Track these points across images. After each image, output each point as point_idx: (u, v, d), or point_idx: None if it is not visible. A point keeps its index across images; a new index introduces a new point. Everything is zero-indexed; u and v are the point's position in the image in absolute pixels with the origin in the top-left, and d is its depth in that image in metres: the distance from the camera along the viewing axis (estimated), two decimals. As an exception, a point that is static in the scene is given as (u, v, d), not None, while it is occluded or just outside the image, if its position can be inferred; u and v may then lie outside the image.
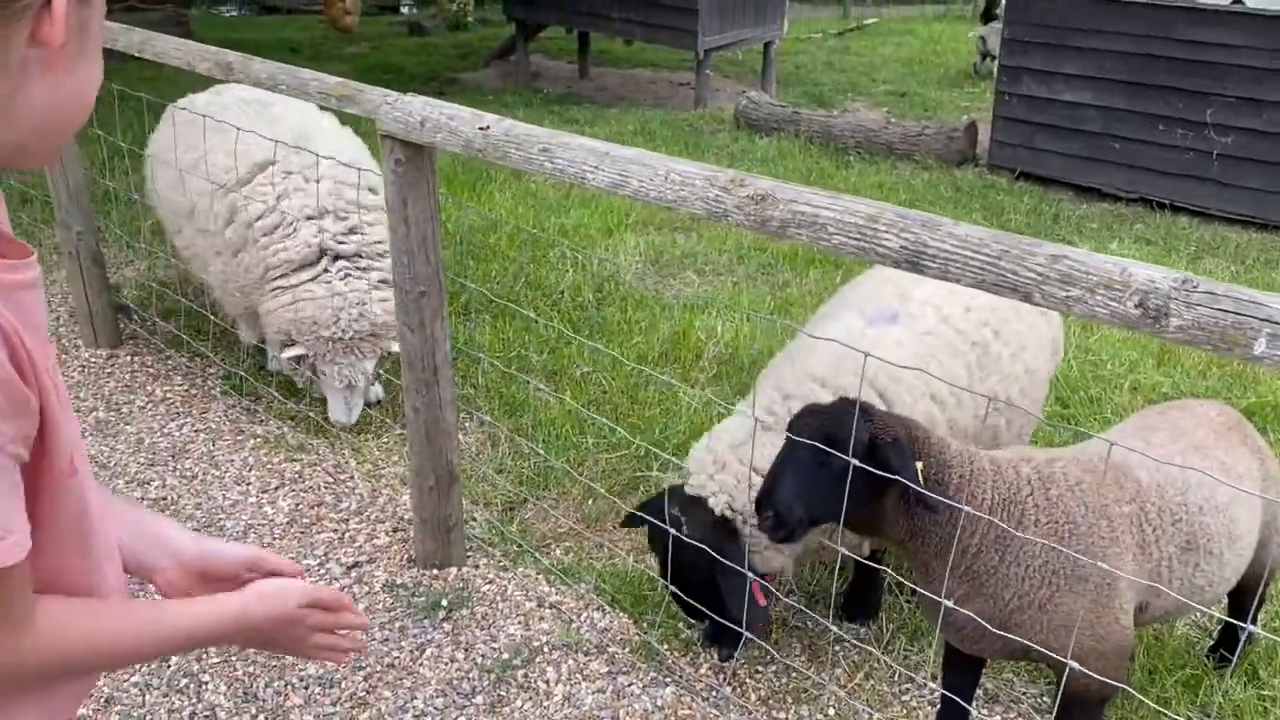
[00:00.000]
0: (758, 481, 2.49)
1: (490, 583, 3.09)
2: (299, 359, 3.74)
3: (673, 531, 2.53)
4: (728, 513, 2.54)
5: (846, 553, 2.57)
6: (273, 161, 3.75)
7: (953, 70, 11.76)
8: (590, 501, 3.44)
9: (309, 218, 3.71)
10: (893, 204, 6.04)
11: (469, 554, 3.20)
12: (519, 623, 2.93)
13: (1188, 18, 6.77)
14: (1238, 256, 6.24)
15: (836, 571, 2.83)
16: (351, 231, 3.73)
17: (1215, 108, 6.78)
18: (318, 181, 3.67)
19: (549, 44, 12.89)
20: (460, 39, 13.72)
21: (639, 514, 2.66)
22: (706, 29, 9.66)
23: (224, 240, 3.82)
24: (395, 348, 3.53)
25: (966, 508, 2.11)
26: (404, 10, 17.26)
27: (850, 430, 2.12)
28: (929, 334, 2.86)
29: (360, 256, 3.73)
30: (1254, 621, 2.81)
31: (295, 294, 3.69)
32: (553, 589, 3.07)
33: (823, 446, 2.13)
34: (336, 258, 3.70)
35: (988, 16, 11.08)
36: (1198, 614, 2.98)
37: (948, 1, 17.04)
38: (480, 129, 2.43)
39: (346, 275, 3.68)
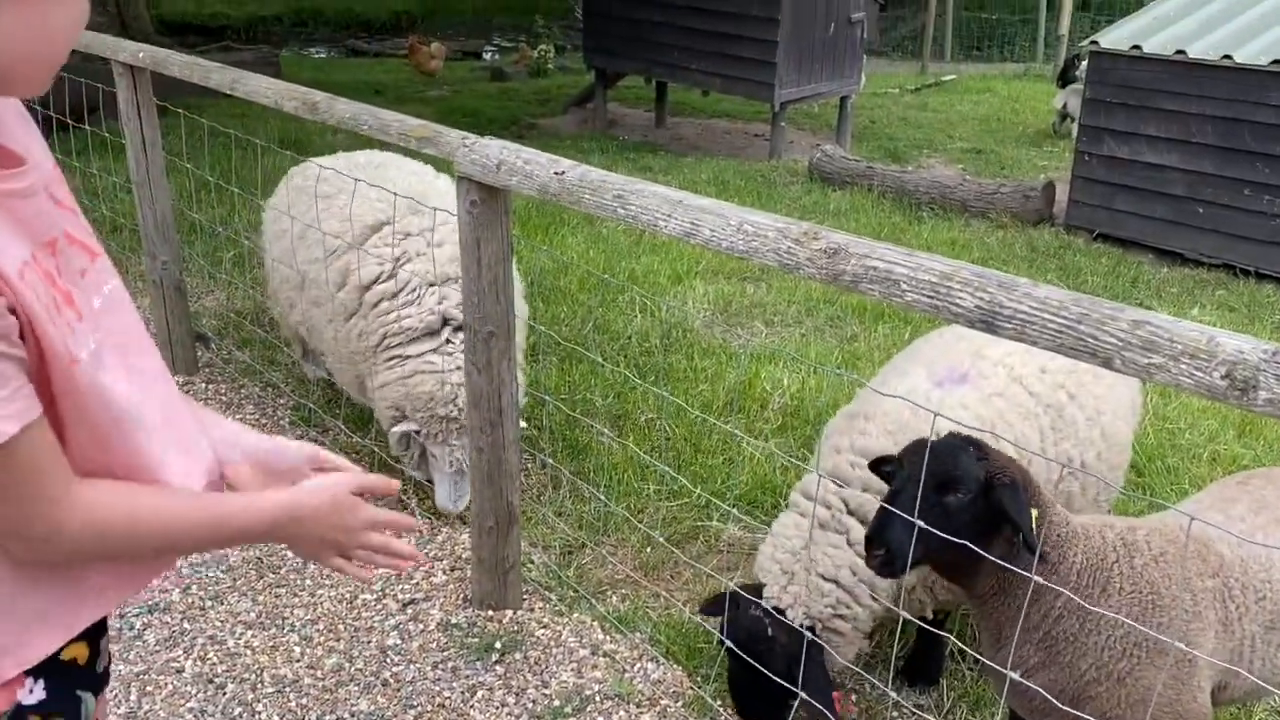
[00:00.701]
0: (827, 588, 2.48)
1: (545, 627, 3.07)
2: (409, 436, 3.50)
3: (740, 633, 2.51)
4: (807, 622, 2.50)
5: (909, 617, 2.51)
6: (388, 222, 3.60)
7: (1031, 129, 11.64)
8: (648, 549, 3.41)
9: (430, 284, 3.50)
10: (966, 261, 5.97)
11: (525, 596, 3.18)
12: (572, 669, 2.90)
13: (1278, 83, 6.62)
14: (1327, 327, 6.03)
15: (898, 634, 2.76)
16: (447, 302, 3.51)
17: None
18: (438, 246, 3.51)
19: (626, 92, 13.06)
20: (540, 85, 13.97)
21: (717, 612, 2.62)
22: (783, 82, 9.71)
23: (336, 305, 3.65)
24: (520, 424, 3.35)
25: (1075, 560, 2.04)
26: (486, 56, 17.65)
27: (965, 468, 2.07)
28: (998, 395, 2.80)
29: (494, 336, 3.40)
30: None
31: (413, 365, 3.46)
32: (607, 637, 3.04)
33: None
34: (459, 328, 3.43)
35: (1064, 79, 10.95)
36: (1278, 698, 2.84)
37: (1027, 60, 16.92)
38: (556, 174, 2.46)
39: (473, 348, 3.33)
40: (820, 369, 4.75)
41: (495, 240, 2.73)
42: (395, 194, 3.42)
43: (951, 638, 2.59)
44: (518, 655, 2.94)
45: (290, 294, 3.98)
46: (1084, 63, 8.45)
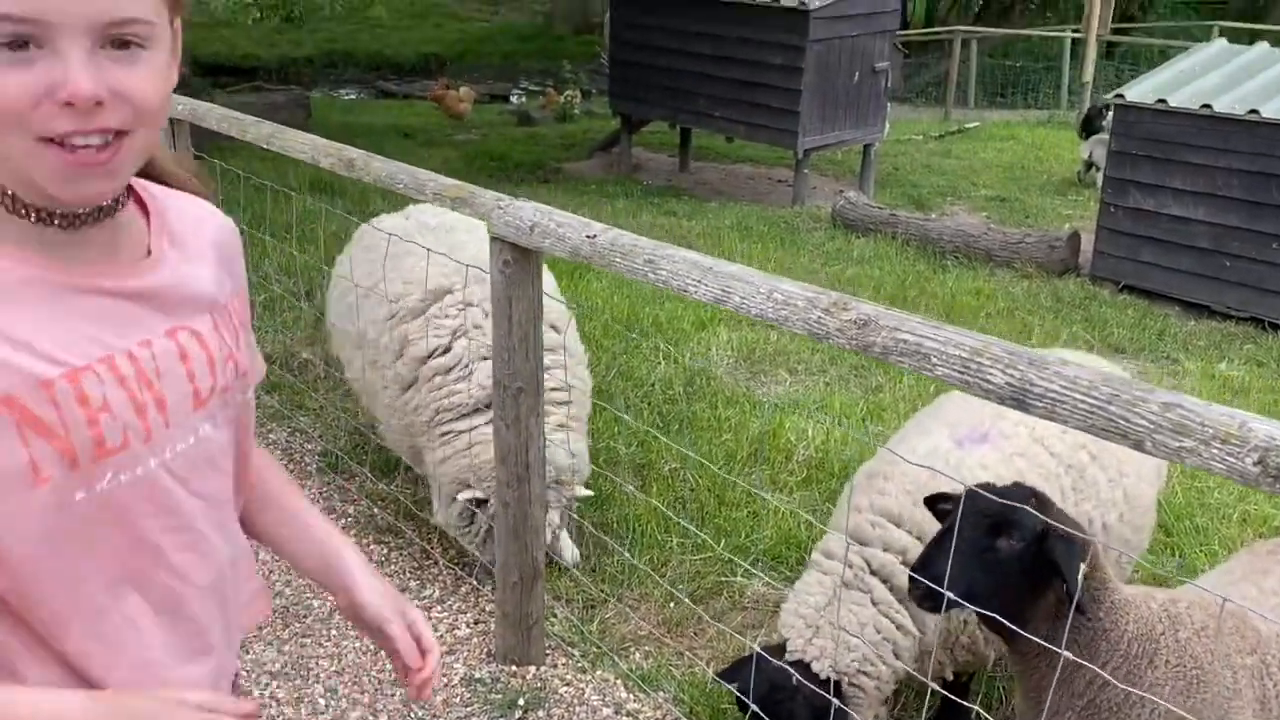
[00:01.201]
0: (854, 643, 2.48)
1: (568, 684, 3.07)
2: (478, 504, 3.31)
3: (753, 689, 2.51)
4: (833, 675, 2.50)
5: (928, 682, 2.51)
6: (450, 290, 3.48)
7: (1055, 177, 11.65)
8: (672, 605, 3.41)
9: (484, 358, 3.32)
10: (991, 309, 5.91)
11: (548, 652, 3.18)
12: (594, 728, 2.90)
13: (1305, 137, 6.63)
14: (1356, 384, 5.98)
15: (926, 700, 2.75)
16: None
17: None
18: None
19: (650, 137, 13.18)
20: (566, 130, 14.13)
21: (740, 674, 2.62)
22: (807, 130, 9.79)
23: (393, 374, 3.53)
24: (583, 492, 3.33)
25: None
26: (513, 100, 17.88)
27: (1021, 514, 2.06)
28: (1019, 455, 2.80)
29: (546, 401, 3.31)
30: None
31: (468, 438, 3.34)
32: (630, 695, 3.04)
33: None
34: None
35: (1088, 129, 10.96)
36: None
37: (1051, 107, 16.97)
38: (588, 237, 2.49)
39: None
40: (845, 422, 4.75)
41: (526, 299, 2.76)
42: (465, 264, 3.25)
43: (976, 707, 2.57)
44: (541, 713, 2.94)
45: (350, 352, 3.88)
46: (1109, 113, 8.47)
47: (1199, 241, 7.19)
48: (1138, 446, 1.61)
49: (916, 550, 2.59)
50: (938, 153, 13.05)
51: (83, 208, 0.98)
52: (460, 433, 3.36)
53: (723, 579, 3.52)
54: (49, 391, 0.94)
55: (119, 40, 0.91)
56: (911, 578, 2.18)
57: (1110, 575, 2.13)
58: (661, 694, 3.02)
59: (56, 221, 0.97)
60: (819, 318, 2.05)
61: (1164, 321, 6.90)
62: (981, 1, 22.77)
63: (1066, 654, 2.00)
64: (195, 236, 1.13)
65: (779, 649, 2.58)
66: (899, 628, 2.56)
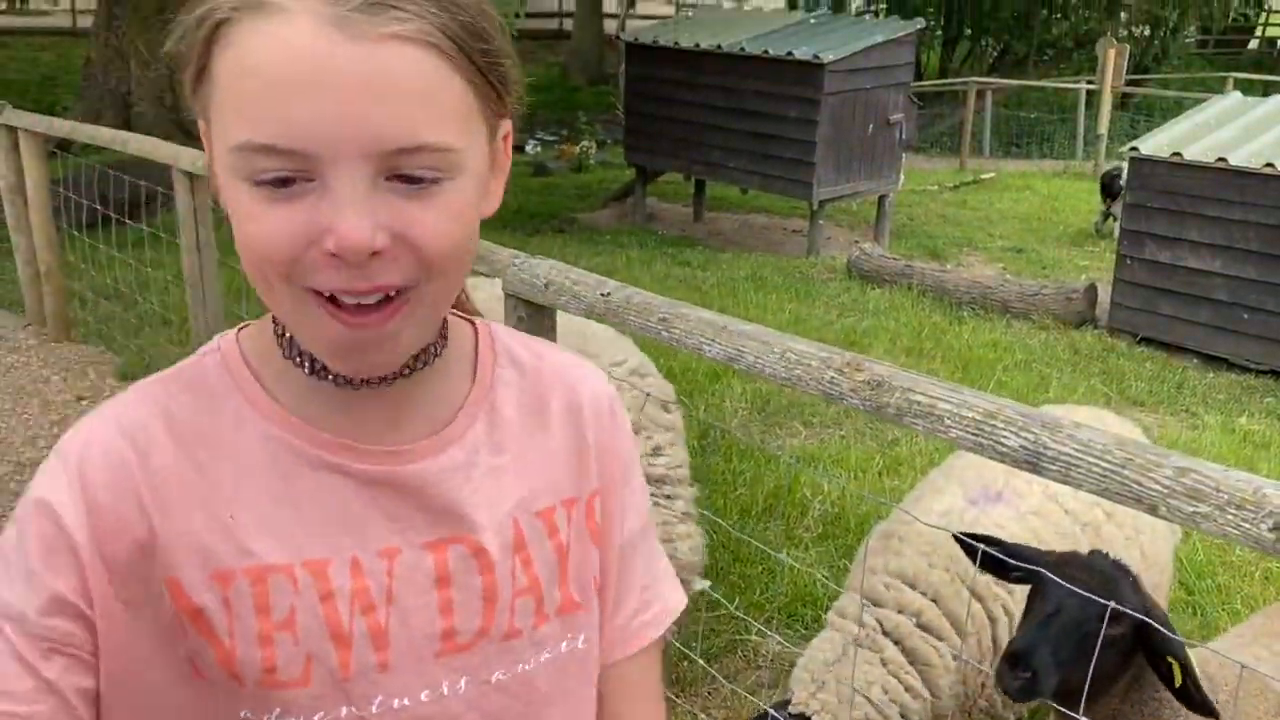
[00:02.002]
0: (858, 700, 2.44)
1: None
2: None
3: None
4: None
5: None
6: None
7: (1072, 228, 11.66)
8: (684, 663, 3.37)
9: None
10: (1009, 363, 5.88)
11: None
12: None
13: (1321, 190, 6.62)
14: (1379, 438, 5.91)
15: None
16: (657, 453, 3.17)
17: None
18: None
19: (665, 187, 13.29)
20: (581, 180, 14.26)
21: None
22: (822, 181, 9.85)
23: None
24: (701, 584, 3.13)
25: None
26: (529, 150, 18.07)
27: (1127, 598, 2.01)
28: (1034, 514, 2.79)
29: (666, 482, 3.17)
30: None
31: None
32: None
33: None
34: None
35: (1108, 192, 10.89)
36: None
37: (1066, 157, 17.04)
38: (602, 294, 2.50)
39: (655, 503, 3.06)
40: (859, 479, 4.73)
41: (540, 355, 2.77)
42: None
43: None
44: (552, 773, 2.90)
45: None
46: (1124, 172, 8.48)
47: (1216, 294, 7.17)
48: (1152, 511, 1.60)
49: (930, 612, 2.57)
50: (953, 203, 13.09)
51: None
52: None
53: (737, 637, 3.49)
54: (223, 587, 0.72)
55: (407, 175, 0.68)
56: (1012, 664, 2.05)
57: None
58: (674, 753, 2.98)
59: (331, 378, 0.77)
60: (832, 378, 2.05)
61: (1182, 374, 6.86)
62: (996, 53, 22.96)
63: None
64: (539, 409, 0.86)
65: (785, 703, 2.56)
66: (908, 689, 2.53)
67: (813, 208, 10.10)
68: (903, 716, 2.50)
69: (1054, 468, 1.70)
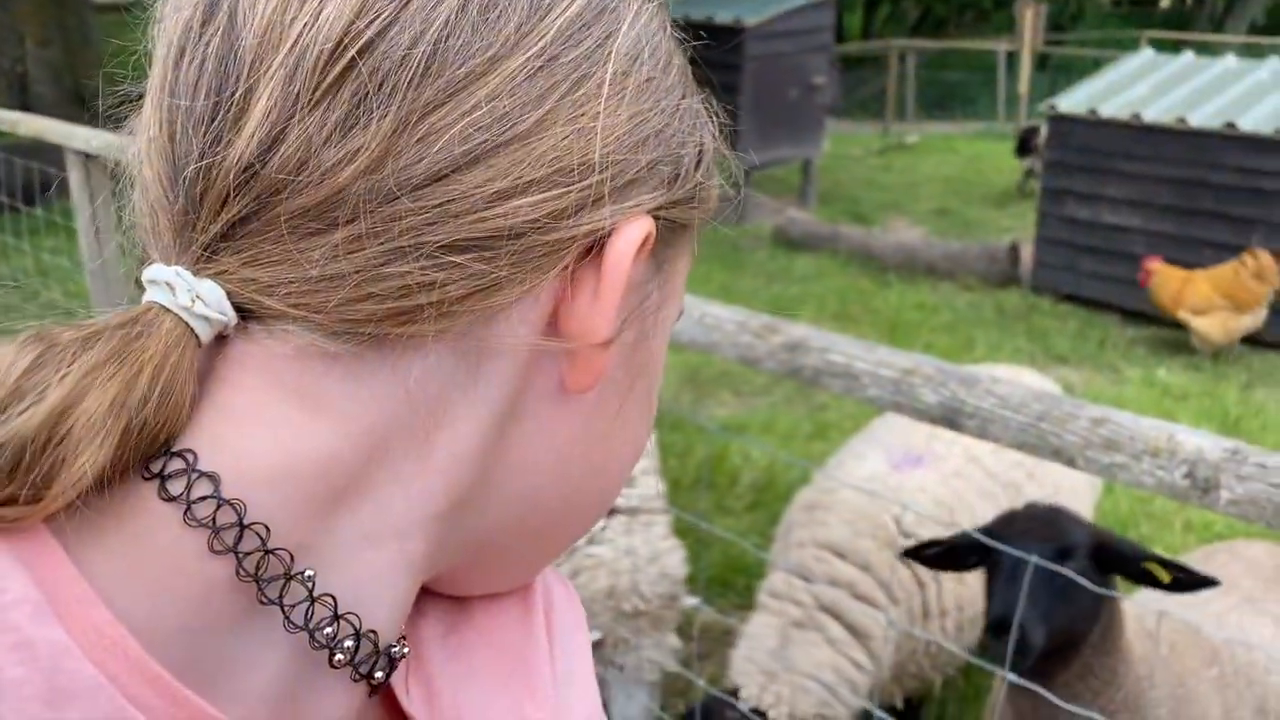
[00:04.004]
0: (811, 686, 2.40)
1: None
2: (596, 646, 2.89)
3: None
4: None
5: (880, 714, 2.46)
6: None
7: (995, 189, 11.80)
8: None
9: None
10: (936, 325, 5.92)
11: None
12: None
13: (1234, 145, 6.75)
14: (1292, 385, 6.08)
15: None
16: (629, 484, 2.97)
17: (1263, 234, 6.70)
18: None
19: (594, 159, 13.17)
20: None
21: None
22: (746, 147, 9.82)
23: None
24: (691, 601, 2.97)
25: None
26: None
27: (1074, 535, 1.99)
28: (956, 476, 2.79)
29: (640, 511, 3.01)
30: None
31: (573, 565, 2.94)
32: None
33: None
34: (612, 512, 2.95)
35: (1023, 149, 11.06)
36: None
37: (989, 119, 17.24)
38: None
39: (630, 530, 2.93)
40: (789, 444, 4.72)
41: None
42: None
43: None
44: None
45: None
46: (1043, 131, 8.58)
47: (1134, 249, 7.28)
48: (1070, 463, 1.57)
49: (864, 583, 2.55)
50: (878, 167, 13.17)
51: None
52: (559, 565, 2.94)
53: (669, 608, 3.45)
54: None
55: None
56: (993, 635, 1.98)
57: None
58: (608, 731, 2.94)
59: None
60: (749, 341, 2.00)
61: (1104, 330, 6.97)
62: (917, 15, 23.12)
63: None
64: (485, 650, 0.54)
65: (732, 695, 2.52)
66: (855, 665, 2.51)
67: (738, 175, 10.06)
68: (853, 693, 2.49)
69: (972, 423, 1.67)
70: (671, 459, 4.54)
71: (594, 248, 0.42)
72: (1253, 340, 6.82)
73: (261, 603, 0.38)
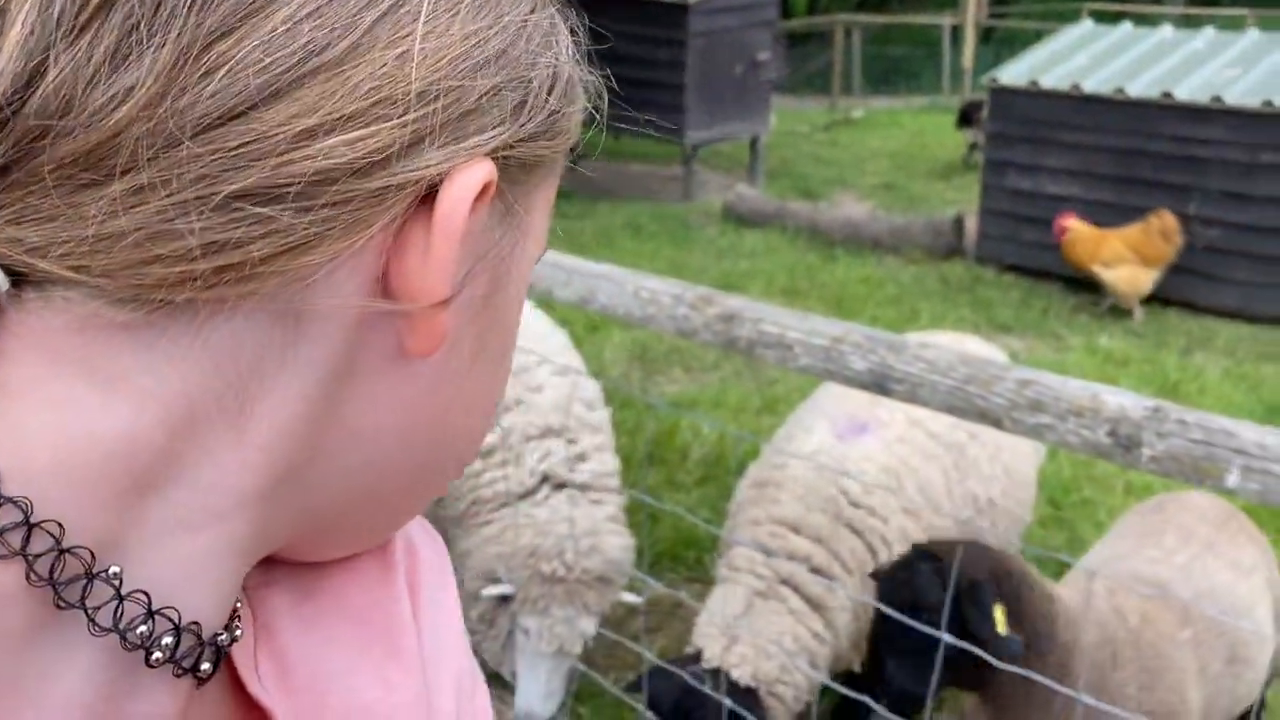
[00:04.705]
0: (773, 650, 2.44)
1: (461, 704, 2.97)
2: (503, 600, 2.82)
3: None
4: (752, 683, 2.46)
5: (838, 687, 2.49)
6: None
7: (940, 162, 11.90)
8: (568, 614, 3.33)
9: (529, 438, 2.92)
10: (882, 298, 5.96)
11: (440, 672, 3.08)
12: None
13: (1171, 114, 6.86)
14: (1227, 350, 6.21)
15: (817, 693, 2.72)
16: (581, 459, 2.97)
17: (1199, 201, 6.83)
18: (537, 390, 2.98)
19: (542, 139, 13.08)
20: (454, 134, 13.94)
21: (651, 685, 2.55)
22: (694, 124, 9.80)
23: None
24: (630, 598, 2.95)
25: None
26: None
27: (926, 591, 2.02)
28: (900, 441, 2.82)
29: (591, 489, 2.95)
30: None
31: (506, 522, 2.89)
32: (507, 705, 2.95)
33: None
34: (562, 485, 2.91)
35: (965, 121, 11.18)
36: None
37: (933, 93, 17.37)
38: (447, 242, 2.40)
39: (576, 503, 2.90)
40: (739, 419, 4.74)
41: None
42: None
43: (875, 705, 2.55)
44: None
45: None
46: (985, 105, 8.65)
47: (1076, 219, 7.39)
48: (997, 425, 1.60)
49: (819, 555, 2.57)
50: (825, 143, 13.22)
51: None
52: (494, 521, 2.88)
53: (619, 584, 3.46)
54: None
55: None
56: (879, 698, 2.08)
57: (1049, 586, 2.08)
58: (559, 713, 2.94)
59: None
60: (685, 313, 2.00)
61: (1047, 299, 7.07)
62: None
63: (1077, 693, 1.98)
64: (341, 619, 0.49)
65: (693, 659, 2.53)
66: (814, 635, 2.54)
67: (686, 152, 10.06)
68: (812, 662, 2.52)
69: (900, 388, 1.68)
70: (621, 436, 4.53)
71: (426, 196, 0.37)
72: (1191, 307, 6.96)
73: (60, 607, 0.34)
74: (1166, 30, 7.85)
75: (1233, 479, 1.43)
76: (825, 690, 2.96)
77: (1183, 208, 6.87)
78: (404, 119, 0.35)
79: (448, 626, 0.52)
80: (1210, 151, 6.73)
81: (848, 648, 2.66)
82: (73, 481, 0.34)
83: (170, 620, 0.37)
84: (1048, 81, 7.40)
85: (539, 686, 2.76)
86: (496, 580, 2.78)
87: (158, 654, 0.37)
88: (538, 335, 3.17)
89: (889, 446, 2.79)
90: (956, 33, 16.81)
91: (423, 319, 0.38)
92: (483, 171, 0.38)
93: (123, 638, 0.35)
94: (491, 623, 2.85)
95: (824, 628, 2.54)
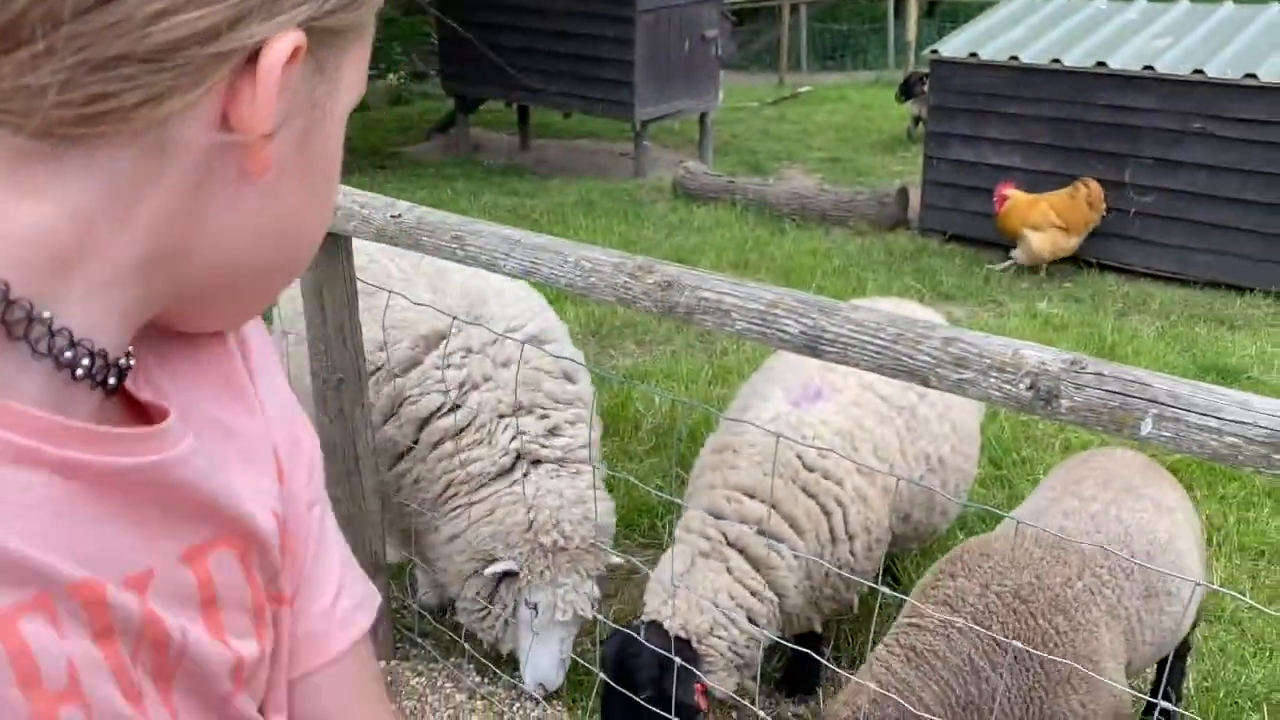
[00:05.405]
0: (705, 605, 2.57)
1: (420, 675, 3.02)
2: (504, 578, 2.80)
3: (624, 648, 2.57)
4: (682, 634, 2.54)
5: (783, 641, 2.57)
6: (447, 336, 2.91)
7: (885, 136, 12.03)
8: (523, 584, 3.39)
9: (501, 416, 2.90)
10: (828, 269, 6.03)
11: (399, 645, 3.12)
12: (449, 716, 2.86)
13: (1105, 83, 7.00)
14: (1162, 312, 6.39)
15: (761, 647, 2.80)
16: (553, 433, 2.95)
17: (1133, 169, 6.99)
18: (505, 366, 2.93)
19: (490, 116, 13.01)
20: (402, 113, 13.81)
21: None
22: (642, 101, 9.82)
23: (382, 438, 2.94)
24: (617, 560, 2.92)
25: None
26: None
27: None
28: (854, 405, 2.90)
29: (568, 461, 2.94)
30: (1181, 676, 2.84)
31: (490, 503, 2.86)
32: (485, 679, 3.01)
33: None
34: (537, 461, 2.91)
35: (907, 93, 11.31)
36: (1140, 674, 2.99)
37: (879, 68, 17.49)
38: (392, 216, 2.43)
39: (557, 475, 2.90)
40: (689, 390, 4.80)
41: (339, 285, 2.68)
42: (454, 318, 2.81)
43: (824, 660, 2.63)
44: (392, 706, 2.88)
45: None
46: (926, 79, 8.76)
47: (1017, 189, 7.53)
48: (924, 382, 1.67)
49: (771, 518, 2.66)
50: (773, 118, 13.29)
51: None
52: (477, 503, 2.87)
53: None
54: None
55: None
56: None
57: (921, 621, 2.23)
58: (517, 675, 3.00)
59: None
60: (625, 282, 2.05)
61: (988, 268, 7.21)
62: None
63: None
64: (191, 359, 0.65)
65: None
66: (753, 594, 2.62)
67: (636, 129, 10.07)
68: (750, 619, 2.59)
69: (832, 350, 1.75)
70: (573, 410, 4.59)
71: (251, 57, 0.50)
72: (1127, 271, 7.14)
73: (14, 339, 0.50)
74: (1100, 2, 7.99)
75: (1147, 427, 1.52)
76: (781, 651, 3.05)
77: (1119, 175, 7.04)
78: (230, 1, 0.49)
79: (280, 390, 0.71)
80: (1143, 120, 6.89)
81: (802, 606, 2.74)
82: (12, 260, 0.49)
83: (87, 349, 0.52)
84: (987, 53, 7.52)
85: (552, 657, 2.82)
86: (494, 560, 2.79)
87: (80, 370, 0.52)
88: (514, 298, 3.15)
89: (843, 410, 2.87)
90: (901, 7, 16.93)
91: (255, 148, 0.53)
92: (292, 40, 0.51)
93: (56, 360, 0.51)
94: (490, 600, 2.85)
95: (764, 587, 2.62)
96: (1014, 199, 7.01)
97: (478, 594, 2.85)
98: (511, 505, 2.82)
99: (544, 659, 2.83)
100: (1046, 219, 6.92)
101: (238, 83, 0.51)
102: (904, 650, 2.19)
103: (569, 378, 3.08)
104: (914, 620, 2.23)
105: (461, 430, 2.88)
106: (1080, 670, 2.09)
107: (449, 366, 2.91)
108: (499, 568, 2.77)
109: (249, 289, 0.62)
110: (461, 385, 2.90)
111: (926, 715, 2.06)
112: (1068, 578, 2.24)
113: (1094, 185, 6.89)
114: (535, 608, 2.80)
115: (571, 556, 2.79)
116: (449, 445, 2.87)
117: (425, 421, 2.90)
